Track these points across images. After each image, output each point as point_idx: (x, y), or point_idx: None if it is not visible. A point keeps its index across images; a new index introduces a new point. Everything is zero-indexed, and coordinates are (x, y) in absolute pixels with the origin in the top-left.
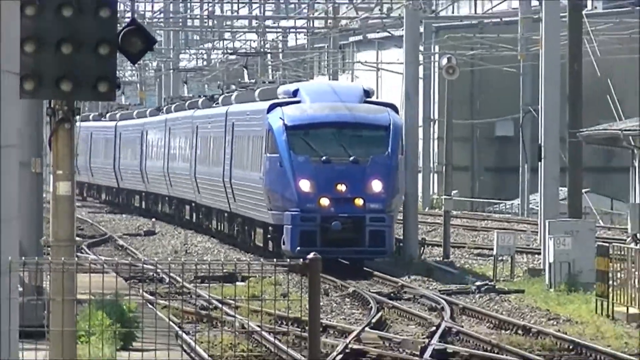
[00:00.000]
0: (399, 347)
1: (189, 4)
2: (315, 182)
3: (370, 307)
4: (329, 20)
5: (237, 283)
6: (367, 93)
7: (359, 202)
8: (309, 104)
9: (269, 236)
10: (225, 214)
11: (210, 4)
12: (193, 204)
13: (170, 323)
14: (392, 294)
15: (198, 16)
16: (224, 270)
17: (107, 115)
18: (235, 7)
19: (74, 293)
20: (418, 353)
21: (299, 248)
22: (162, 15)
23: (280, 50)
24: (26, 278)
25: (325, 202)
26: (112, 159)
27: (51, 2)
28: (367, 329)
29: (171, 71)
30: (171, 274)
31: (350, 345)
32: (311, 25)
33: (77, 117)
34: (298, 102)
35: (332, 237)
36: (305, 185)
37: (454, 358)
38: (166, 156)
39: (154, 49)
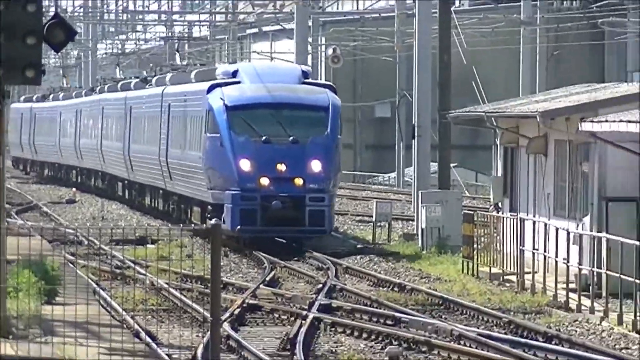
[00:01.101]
0: (289, 302)
1: (105, 0)
2: (256, 162)
3: (265, 267)
4: (229, 15)
5: (148, 245)
6: (306, 74)
7: (299, 181)
8: (248, 84)
9: (207, 215)
10: (160, 191)
11: (124, 0)
12: (126, 181)
13: (89, 280)
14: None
15: (113, 11)
16: (136, 234)
17: (51, 96)
18: (146, 2)
19: (4, 254)
20: (307, 307)
21: (239, 227)
22: (81, 10)
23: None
24: None
25: (265, 181)
26: (55, 137)
27: None
28: (262, 286)
29: (90, 59)
30: (90, 237)
31: (247, 301)
32: (213, 19)
33: (7, 99)
34: (238, 82)
35: (272, 216)
36: (245, 164)
37: (338, 312)
38: (100, 135)
39: (75, 39)
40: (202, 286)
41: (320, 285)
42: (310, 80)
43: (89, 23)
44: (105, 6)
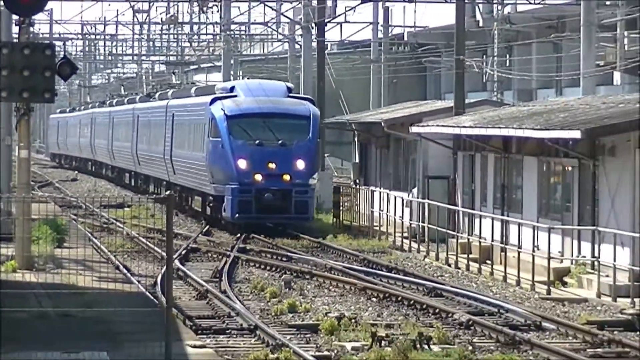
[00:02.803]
0: (219, 246)
1: (96, 47)
2: (251, 161)
3: (203, 223)
4: (178, 57)
5: (125, 208)
6: (290, 89)
7: (287, 177)
8: (243, 97)
9: (210, 204)
10: (164, 182)
11: (108, 47)
12: (132, 173)
13: (85, 232)
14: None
15: (102, 54)
16: (117, 201)
17: (75, 109)
18: (123, 49)
19: (30, 215)
20: (230, 249)
21: (237, 215)
22: (81, 52)
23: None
24: (2, 205)
25: (259, 177)
26: (76, 138)
27: (17, 45)
28: (200, 235)
29: (85, 87)
30: (86, 203)
31: (190, 245)
32: (168, 59)
33: (32, 112)
34: (235, 96)
35: (265, 206)
36: (242, 163)
37: (250, 252)
38: (110, 137)
39: (76, 73)
40: (161, 235)
41: (239, 235)
42: (293, 94)
43: (86, 62)
44: (96, 50)
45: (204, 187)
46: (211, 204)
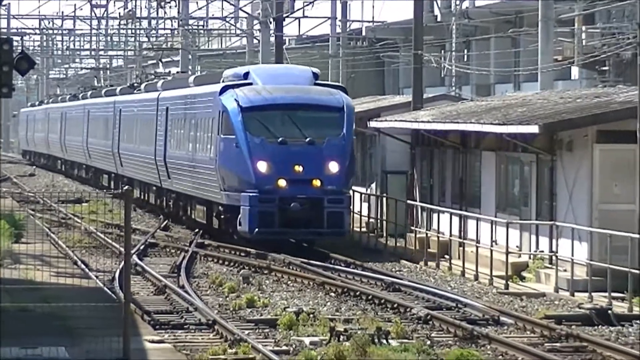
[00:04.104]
0: (177, 241)
1: (54, 42)
2: (273, 164)
3: (161, 218)
4: (136, 51)
5: (83, 204)
6: (316, 76)
7: (317, 183)
8: (261, 85)
9: (220, 216)
10: (154, 188)
11: (66, 42)
12: (112, 174)
13: (43, 227)
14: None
15: (60, 49)
16: (75, 196)
17: (43, 102)
18: (81, 44)
19: None
20: (188, 244)
21: (257, 230)
22: (39, 47)
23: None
24: None
25: (282, 183)
26: (44, 133)
27: None
28: (158, 230)
29: (45, 81)
30: (44, 198)
31: (149, 240)
32: (126, 54)
33: None
34: (250, 84)
35: (290, 218)
36: (262, 166)
37: (209, 247)
38: (85, 134)
39: (34, 67)
40: (119, 230)
41: (197, 230)
42: (321, 81)
43: (43, 57)
44: (54, 45)
45: (211, 194)
46: (221, 216)
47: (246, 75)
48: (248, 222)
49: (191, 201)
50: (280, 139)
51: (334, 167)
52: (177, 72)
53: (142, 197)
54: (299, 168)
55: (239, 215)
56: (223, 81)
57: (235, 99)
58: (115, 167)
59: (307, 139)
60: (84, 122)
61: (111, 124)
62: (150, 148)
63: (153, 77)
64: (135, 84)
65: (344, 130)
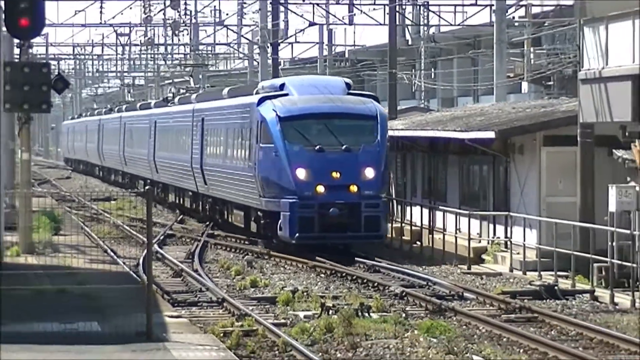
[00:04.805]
0: (191, 232)
1: (85, 65)
2: (311, 170)
3: (178, 213)
4: (154, 73)
5: (112, 201)
6: (349, 85)
7: (354, 188)
8: (297, 96)
9: (260, 221)
10: (190, 193)
11: (95, 65)
12: (148, 180)
13: (78, 221)
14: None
15: (90, 71)
16: (105, 195)
17: (81, 115)
18: (108, 67)
19: (30, 207)
20: (200, 235)
21: (297, 234)
22: (73, 70)
23: (143, 84)
24: (7, 200)
25: (321, 189)
26: (83, 143)
27: (18, 64)
28: (175, 223)
29: (76, 98)
30: (78, 197)
31: (167, 231)
32: (146, 74)
33: (31, 121)
34: (286, 94)
35: (329, 223)
36: (301, 173)
37: (218, 237)
38: (122, 143)
39: (69, 87)
40: (141, 224)
41: (208, 222)
42: (353, 91)
43: (76, 78)
44: (85, 67)
45: (250, 200)
46: (261, 221)
47: (282, 86)
48: (289, 227)
49: (228, 206)
50: (317, 146)
51: (370, 173)
52: (207, 87)
53: (177, 201)
54: (336, 174)
55: (279, 221)
56: (257, 92)
57: (273, 109)
58: (151, 174)
59: (344, 147)
60: (120, 132)
61: (147, 134)
62: (187, 156)
63: (185, 91)
64: (169, 98)
65: (379, 138)
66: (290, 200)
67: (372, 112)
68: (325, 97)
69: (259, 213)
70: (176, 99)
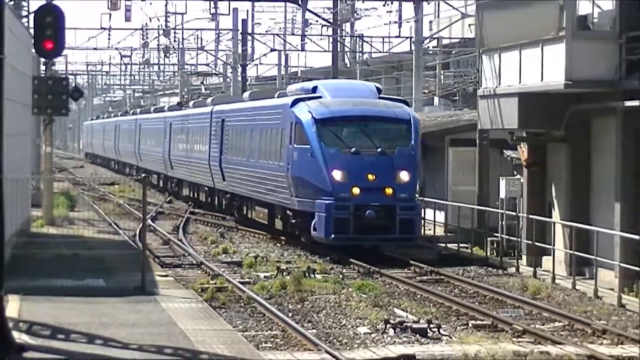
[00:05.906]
0: (177, 210)
1: (95, 79)
2: (347, 172)
3: (166, 195)
4: (152, 85)
5: (115, 185)
6: (379, 90)
7: (389, 191)
8: (330, 99)
9: (291, 220)
10: (206, 188)
11: (104, 79)
12: (162, 175)
13: (89, 201)
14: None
15: (100, 84)
16: (110, 180)
17: (99, 117)
18: (114, 81)
19: (52, 189)
20: (184, 212)
21: (333, 235)
22: (87, 82)
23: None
24: (34, 183)
25: (356, 191)
26: (101, 140)
27: (44, 78)
28: (165, 204)
29: (89, 105)
30: (89, 182)
31: (158, 209)
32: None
33: (53, 122)
34: (319, 97)
35: (364, 225)
36: (338, 175)
37: (198, 214)
38: (137, 141)
39: (83, 96)
40: (138, 203)
41: (190, 203)
42: (384, 95)
43: (89, 89)
44: (96, 81)
45: (279, 199)
46: (292, 220)
47: (314, 89)
48: (324, 228)
49: (248, 202)
50: (353, 149)
51: (404, 176)
52: (210, 94)
53: (191, 194)
54: (372, 177)
55: (313, 221)
56: (286, 95)
57: (308, 111)
58: (165, 169)
59: (379, 149)
60: (136, 132)
61: (162, 134)
62: (204, 154)
63: (197, 96)
64: (183, 102)
65: (412, 141)
66: (326, 201)
67: (406, 116)
68: (359, 101)
69: (288, 212)
70: (191, 103)
